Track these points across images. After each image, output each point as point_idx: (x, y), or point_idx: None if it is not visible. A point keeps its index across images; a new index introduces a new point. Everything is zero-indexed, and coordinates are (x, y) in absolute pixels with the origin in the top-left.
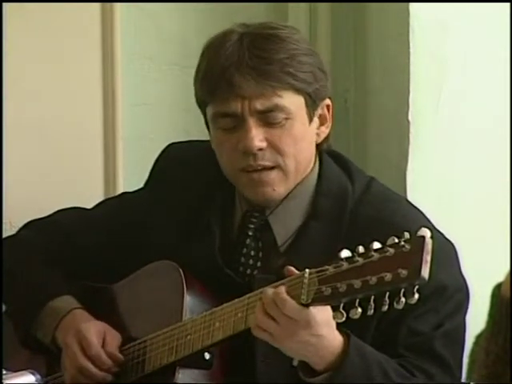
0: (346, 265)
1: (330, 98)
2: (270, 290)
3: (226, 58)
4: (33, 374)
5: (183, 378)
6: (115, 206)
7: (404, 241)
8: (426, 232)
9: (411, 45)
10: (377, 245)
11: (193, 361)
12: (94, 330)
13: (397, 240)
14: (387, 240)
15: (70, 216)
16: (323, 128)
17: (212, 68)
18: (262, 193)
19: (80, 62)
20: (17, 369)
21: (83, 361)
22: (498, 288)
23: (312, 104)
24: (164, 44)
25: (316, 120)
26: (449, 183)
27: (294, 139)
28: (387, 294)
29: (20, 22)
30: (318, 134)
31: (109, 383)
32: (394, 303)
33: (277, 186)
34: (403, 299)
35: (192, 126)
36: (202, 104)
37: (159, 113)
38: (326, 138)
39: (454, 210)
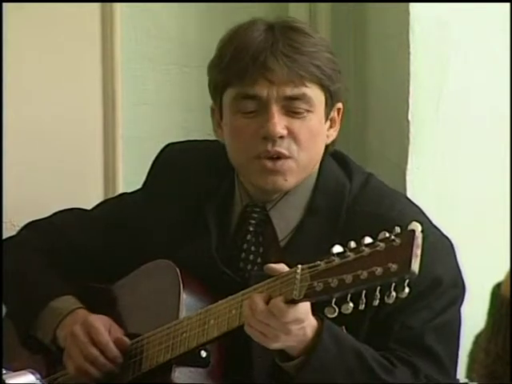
0: (337, 260)
1: (342, 102)
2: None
3: (260, 43)
4: (33, 373)
5: (181, 377)
6: (114, 206)
7: (394, 235)
8: (416, 226)
9: (411, 45)
10: (368, 240)
11: (189, 359)
12: (101, 321)
13: (388, 234)
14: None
15: (69, 217)
16: (332, 131)
17: (242, 51)
18: (273, 181)
19: (80, 62)
20: (17, 369)
21: (92, 350)
22: (497, 287)
23: (330, 103)
24: (164, 44)
25: (328, 121)
26: (449, 182)
27: (311, 133)
28: (378, 288)
29: (20, 21)
30: (326, 136)
31: (107, 383)
32: (385, 297)
33: (288, 177)
34: (394, 293)
35: (192, 126)
36: (218, 89)
37: (159, 113)
38: (333, 142)
39: (453, 210)
